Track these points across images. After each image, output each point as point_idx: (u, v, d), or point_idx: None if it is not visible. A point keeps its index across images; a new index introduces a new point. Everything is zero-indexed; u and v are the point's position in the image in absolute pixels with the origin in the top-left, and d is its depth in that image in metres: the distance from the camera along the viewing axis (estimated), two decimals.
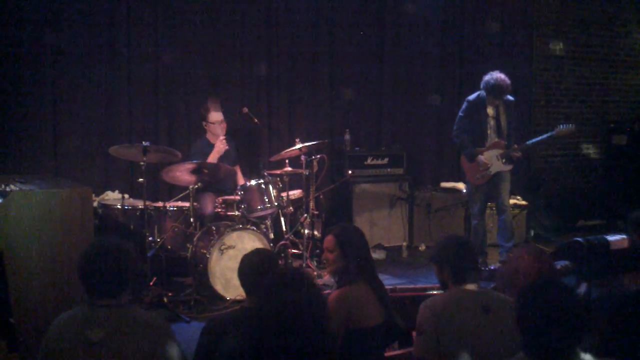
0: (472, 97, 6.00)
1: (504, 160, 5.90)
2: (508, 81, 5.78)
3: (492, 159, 5.91)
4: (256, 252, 3.11)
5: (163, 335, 2.57)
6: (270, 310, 2.09)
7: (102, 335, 2.46)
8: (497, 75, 5.78)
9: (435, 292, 3.82)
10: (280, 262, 5.60)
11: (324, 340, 2.10)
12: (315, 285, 2.21)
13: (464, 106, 6.05)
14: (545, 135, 6.03)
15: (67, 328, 2.52)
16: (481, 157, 5.90)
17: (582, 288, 3.77)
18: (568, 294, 2.16)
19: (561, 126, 5.97)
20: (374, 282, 3.20)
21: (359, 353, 2.99)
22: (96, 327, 2.47)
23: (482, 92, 5.92)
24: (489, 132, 5.97)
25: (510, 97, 5.98)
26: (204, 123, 5.98)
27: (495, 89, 5.76)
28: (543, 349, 2.10)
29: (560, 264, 4.05)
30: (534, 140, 6.01)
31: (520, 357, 2.17)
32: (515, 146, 5.92)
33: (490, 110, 5.96)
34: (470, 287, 2.84)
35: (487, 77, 5.83)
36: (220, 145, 5.78)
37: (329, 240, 3.21)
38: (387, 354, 3.26)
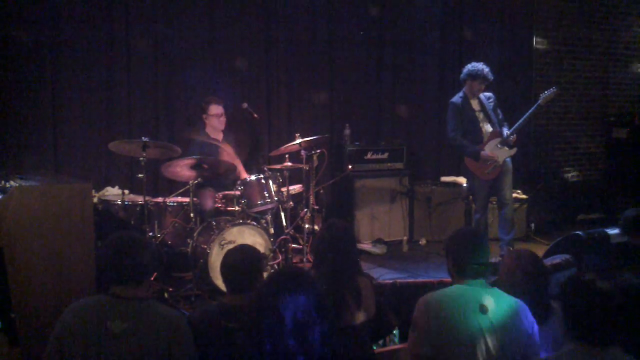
0: (454, 98, 6.15)
1: (505, 148, 5.95)
2: (486, 67, 5.99)
3: (495, 149, 5.96)
4: (240, 248, 3.09)
5: (180, 330, 2.59)
6: (268, 309, 2.03)
7: (124, 327, 2.48)
8: (473, 63, 6.03)
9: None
10: (281, 257, 5.61)
11: (329, 341, 2.06)
12: (316, 285, 2.17)
13: (449, 109, 6.14)
14: (531, 110, 6.07)
15: (85, 316, 2.53)
16: (485, 152, 5.93)
17: None
18: (612, 287, 2.34)
19: (545, 93, 6.05)
20: None
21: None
22: (117, 319, 2.50)
23: (460, 93, 6.09)
24: (481, 125, 6.06)
25: (488, 93, 6.15)
26: (204, 116, 6.01)
27: (478, 72, 5.93)
28: (591, 337, 2.29)
29: (560, 258, 4.07)
30: (522, 119, 6.02)
31: (571, 348, 2.35)
32: (507, 132, 5.97)
33: (474, 105, 6.06)
34: (472, 283, 2.82)
35: (465, 68, 6.05)
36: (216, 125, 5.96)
37: None
38: (388, 348, 3.26)
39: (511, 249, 6.00)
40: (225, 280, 2.98)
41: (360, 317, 3.01)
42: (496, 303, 2.74)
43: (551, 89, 6.06)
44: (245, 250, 3.08)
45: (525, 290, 2.92)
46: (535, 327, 2.78)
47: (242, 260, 2.95)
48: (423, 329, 2.72)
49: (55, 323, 2.58)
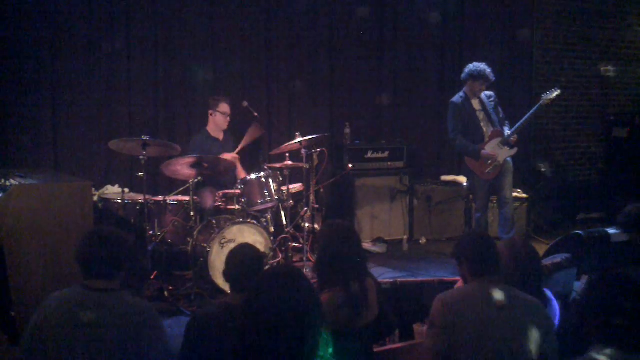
0: (454, 98, 6.14)
1: (506, 147, 5.96)
2: (488, 67, 6.00)
3: (495, 148, 5.96)
4: (244, 248, 3.10)
5: (150, 320, 2.64)
6: (262, 308, 2.01)
7: (93, 317, 2.54)
8: (475, 63, 6.03)
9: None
10: (281, 256, 5.61)
11: (315, 339, 2.04)
12: (309, 283, 2.16)
13: (450, 109, 6.13)
14: (532, 110, 6.04)
15: (59, 307, 2.59)
16: (485, 151, 5.93)
17: (583, 281, 3.77)
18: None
19: (547, 93, 6.04)
20: None
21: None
22: (88, 310, 2.56)
23: (461, 93, 6.08)
24: (482, 124, 6.06)
25: (489, 92, 6.14)
26: (210, 112, 6.01)
27: (480, 73, 5.93)
28: (630, 339, 2.10)
29: (560, 257, 4.06)
30: (523, 119, 6.00)
31: (607, 352, 2.13)
32: (508, 132, 5.97)
33: (475, 104, 6.05)
34: (490, 281, 2.83)
35: (466, 68, 6.04)
36: (232, 157, 5.92)
37: None
38: (388, 347, 3.26)
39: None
40: (228, 280, 2.99)
41: (366, 318, 3.02)
42: (513, 300, 2.76)
43: (553, 90, 6.03)
44: (248, 249, 3.09)
45: (519, 279, 2.93)
46: (555, 324, 2.78)
47: (245, 259, 2.96)
48: (440, 327, 2.74)
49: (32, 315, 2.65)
